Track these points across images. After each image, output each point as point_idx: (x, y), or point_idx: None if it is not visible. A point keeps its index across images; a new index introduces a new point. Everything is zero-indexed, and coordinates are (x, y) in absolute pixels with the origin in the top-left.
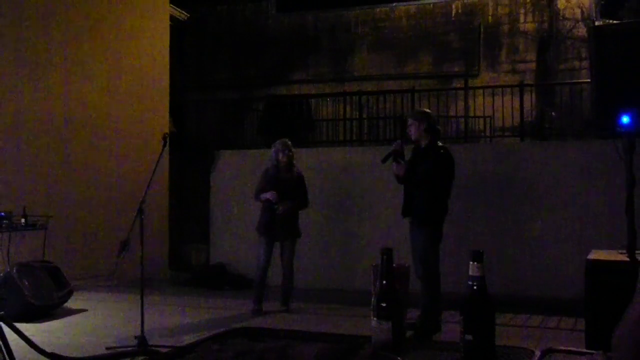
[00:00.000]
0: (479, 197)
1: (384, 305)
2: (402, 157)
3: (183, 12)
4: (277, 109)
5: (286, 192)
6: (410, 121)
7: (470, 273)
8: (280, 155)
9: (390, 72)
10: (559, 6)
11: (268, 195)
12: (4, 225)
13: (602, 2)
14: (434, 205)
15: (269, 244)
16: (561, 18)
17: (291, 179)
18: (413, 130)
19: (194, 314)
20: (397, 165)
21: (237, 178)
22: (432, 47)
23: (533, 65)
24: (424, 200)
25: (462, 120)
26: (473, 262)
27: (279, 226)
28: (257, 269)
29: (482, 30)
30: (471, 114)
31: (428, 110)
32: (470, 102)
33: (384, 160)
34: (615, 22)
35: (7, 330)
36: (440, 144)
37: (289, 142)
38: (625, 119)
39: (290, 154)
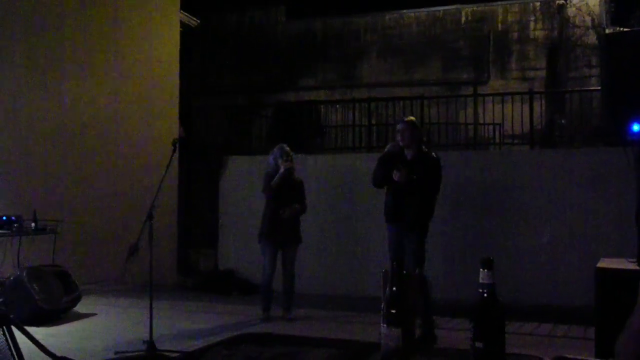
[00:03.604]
0: (488, 204)
1: (394, 311)
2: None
3: (193, 18)
4: (286, 115)
5: (288, 197)
6: (404, 126)
7: (481, 280)
8: (280, 161)
9: (400, 79)
10: (569, 14)
11: (281, 171)
12: (14, 229)
13: (613, 10)
14: (427, 209)
15: (272, 251)
16: (571, 25)
17: (292, 184)
18: (407, 136)
19: (203, 319)
20: (399, 173)
21: (246, 184)
22: (442, 54)
23: (543, 73)
24: (419, 205)
25: (472, 127)
26: (483, 269)
27: (282, 233)
28: (263, 277)
29: (491, 37)
30: (480, 121)
31: None
32: (480, 109)
33: (382, 161)
34: (626, 29)
35: (17, 333)
36: (425, 149)
37: (287, 148)
38: (636, 127)
39: (289, 159)
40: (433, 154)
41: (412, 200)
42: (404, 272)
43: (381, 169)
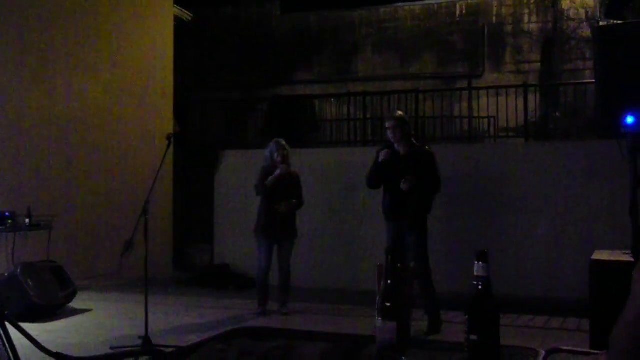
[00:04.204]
0: (482, 197)
1: (388, 305)
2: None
3: (187, 12)
4: (281, 109)
5: (284, 192)
6: (393, 123)
7: (476, 273)
8: (275, 155)
9: (395, 72)
10: (563, 7)
11: (277, 173)
12: (8, 225)
13: (607, 3)
14: (426, 206)
15: (268, 245)
16: (565, 18)
17: (288, 178)
18: (398, 133)
19: (198, 313)
20: (406, 184)
21: (241, 178)
22: (437, 48)
23: (537, 66)
24: (418, 202)
25: (466, 120)
26: (478, 261)
27: (278, 227)
28: (259, 272)
29: (486, 30)
30: (475, 114)
31: None
32: (474, 102)
33: (379, 164)
34: (619, 22)
35: (11, 330)
36: (417, 142)
37: (284, 142)
38: (629, 120)
39: (285, 152)
40: (427, 147)
41: (411, 198)
42: (398, 265)
43: (378, 173)
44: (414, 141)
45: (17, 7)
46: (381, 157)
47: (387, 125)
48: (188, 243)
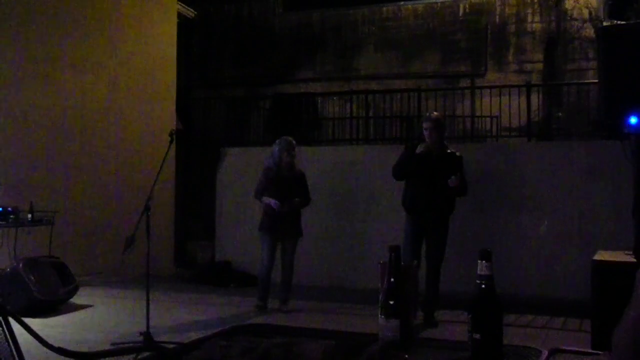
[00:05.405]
0: (485, 197)
1: (391, 302)
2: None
3: (190, 9)
4: (284, 107)
5: (288, 191)
6: (431, 125)
7: (479, 272)
8: (285, 154)
9: (397, 71)
10: (566, 6)
11: (272, 203)
12: (10, 221)
13: (610, 3)
14: (452, 205)
15: (272, 243)
16: (569, 18)
17: (292, 177)
18: (434, 135)
19: (200, 310)
20: (455, 179)
21: (243, 175)
22: (439, 47)
23: (540, 66)
24: (444, 200)
25: (469, 119)
26: (481, 260)
27: (282, 226)
28: (262, 269)
29: (489, 29)
30: (478, 113)
31: None
32: (477, 101)
33: (412, 163)
34: (623, 22)
35: (14, 324)
36: (449, 145)
37: (294, 142)
38: (633, 120)
39: (294, 153)
40: (457, 153)
41: (436, 196)
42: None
43: (410, 167)
44: (446, 143)
45: (21, 3)
46: (419, 150)
47: (424, 126)
48: (189, 240)
